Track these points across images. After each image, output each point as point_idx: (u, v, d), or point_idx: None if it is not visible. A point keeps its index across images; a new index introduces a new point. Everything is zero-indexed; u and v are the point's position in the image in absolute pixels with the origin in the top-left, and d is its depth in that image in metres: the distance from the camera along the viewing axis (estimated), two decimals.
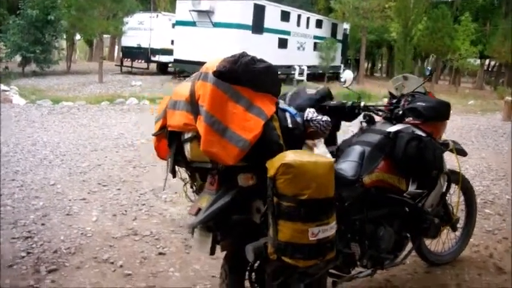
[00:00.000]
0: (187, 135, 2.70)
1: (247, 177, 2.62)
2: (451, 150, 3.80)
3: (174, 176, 2.99)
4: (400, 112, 3.49)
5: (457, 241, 4.40)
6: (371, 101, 16.28)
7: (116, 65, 25.92)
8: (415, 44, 25.96)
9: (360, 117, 3.61)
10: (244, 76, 2.52)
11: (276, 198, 2.40)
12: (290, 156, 2.44)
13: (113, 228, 4.95)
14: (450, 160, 3.89)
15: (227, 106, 2.48)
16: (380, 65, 45.16)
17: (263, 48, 19.72)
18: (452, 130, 11.70)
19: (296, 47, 23.23)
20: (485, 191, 6.74)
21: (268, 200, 2.44)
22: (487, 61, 37.77)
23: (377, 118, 3.69)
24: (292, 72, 22.54)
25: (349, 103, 3.66)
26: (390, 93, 3.88)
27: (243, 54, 2.59)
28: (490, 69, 41.28)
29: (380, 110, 3.69)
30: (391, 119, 3.54)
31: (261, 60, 2.63)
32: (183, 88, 2.76)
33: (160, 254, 4.37)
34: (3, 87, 14.82)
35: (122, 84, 19.07)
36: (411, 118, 3.46)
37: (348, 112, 3.67)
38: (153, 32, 22.66)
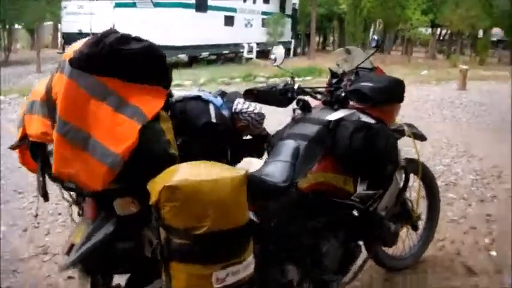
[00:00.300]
0: (50, 147, 1.99)
1: (127, 202, 1.92)
2: (409, 136, 3.13)
3: (46, 199, 2.28)
4: (343, 94, 2.78)
5: (419, 239, 3.77)
6: (322, 76, 15.60)
7: (58, 53, 24.70)
8: (365, 16, 25.60)
9: (293, 104, 2.90)
10: (110, 62, 1.82)
11: (163, 232, 1.70)
12: (179, 173, 1.75)
13: (21, 246, 4.22)
14: (405, 144, 3.23)
15: (89, 106, 1.80)
16: (332, 38, 44.74)
17: (208, 27, 18.98)
18: (406, 103, 11.14)
19: (243, 24, 22.39)
20: (446, 170, 6.19)
21: (154, 234, 1.74)
22: (438, 30, 37.81)
23: (314, 102, 2.99)
24: (241, 50, 21.71)
25: (281, 85, 2.97)
26: (330, 70, 3.17)
27: (109, 32, 1.85)
28: (441, 38, 41.33)
29: (318, 93, 3.00)
30: (332, 103, 2.84)
31: (137, 39, 1.89)
32: (42, 84, 2.05)
33: (69, 278, 3.62)
34: None
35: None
36: (356, 102, 2.76)
37: (280, 97, 2.98)
38: (94, 16, 21.56)
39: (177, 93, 3.54)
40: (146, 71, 1.87)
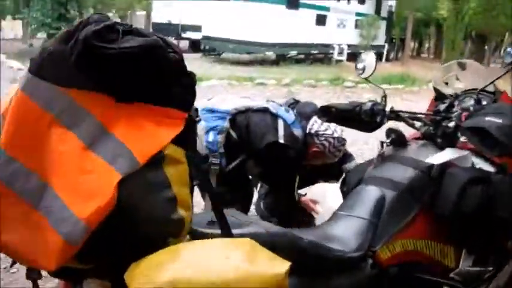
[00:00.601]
0: None
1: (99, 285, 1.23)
2: None
3: None
4: (452, 127, 1.98)
5: None
6: (415, 85, 14.44)
7: None
8: (466, 23, 24.00)
9: (380, 132, 2.15)
10: (86, 67, 1.13)
11: None
12: (170, 266, 1.09)
13: None
14: None
15: (49, 135, 1.14)
16: (427, 45, 42.74)
17: (299, 25, 18.24)
18: None
19: (336, 24, 21.24)
20: None
21: None
22: None
23: (410, 132, 2.20)
24: (331, 51, 20.66)
25: (368, 105, 2.22)
26: (436, 90, 2.36)
27: (90, 21, 1.16)
28: None
29: (417, 119, 2.20)
30: (434, 137, 2.05)
31: (135, 32, 1.18)
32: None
33: None
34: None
35: None
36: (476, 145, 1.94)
37: (366, 120, 2.24)
38: (184, 7, 21.42)
39: (240, 101, 2.87)
40: (148, 84, 1.17)
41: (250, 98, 2.96)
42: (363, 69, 2.39)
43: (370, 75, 2.37)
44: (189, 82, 1.26)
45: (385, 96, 2.28)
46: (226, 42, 17.94)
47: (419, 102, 10.98)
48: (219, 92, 10.83)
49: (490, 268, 2.00)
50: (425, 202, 1.87)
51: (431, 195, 1.86)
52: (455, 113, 1.94)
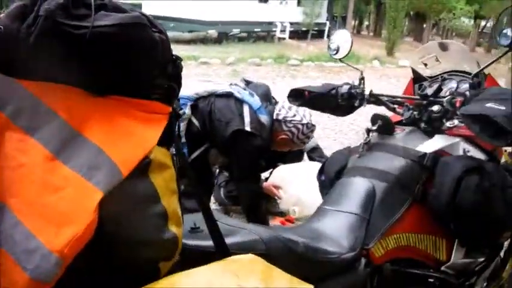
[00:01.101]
0: None
1: None
2: None
3: None
4: (439, 112, 1.85)
5: None
6: (359, 63, 14.49)
7: None
8: (407, 2, 24.28)
9: (362, 118, 1.99)
10: (46, 50, 0.91)
11: None
12: None
13: None
14: None
15: (2, 143, 0.90)
16: (367, 22, 43.14)
17: (241, 3, 17.96)
18: None
19: (278, 1, 21.21)
20: None
21: None
22: (482, 22, 36.20)
23: (389, 114, 2.08)
24: (274, 29, 20.50)
25: (344, 88, 2.08)
26: (414, 71, 2.23)
27: None
28: (481, 31, 39.61)
29: (399, 103, 2.07)
30: (421, 122, 1.91)
31: (112, 7, 0.95)
32: None
33: None
34: None
35: None
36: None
37: (342, 103, 2.11)
38: None
39: (200, 86, 2.67)
40: (129, 72, 0.95)
41: (212, 81, 2.76)
42: (337, 49, 2.23)
43: (345, 56, 2.21)
44: (175, 68, 1.06)
45: (362, 78, 2.14)
46: (167, 20, 17.47)
47: (366, 81, 11.05)
48: None
49: (482, 259, 1.90)
50: (417, 194, 1.74)
51: (423, 187, 1.73)
52: (447, 98, 1.80)
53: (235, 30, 19.21)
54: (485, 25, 38.44)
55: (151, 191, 0.98)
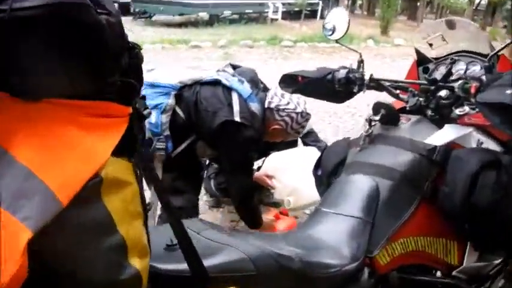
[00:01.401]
0: None
1: None
2: None
3: None
4: (449, 99, 1.64)
5: None
6: (353, 43, 14.22)
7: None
8: None
9: (358, 101, 1.81)
10: None
11: None
12: None
13: None
14: None
15: None
16: (360, 1, 42.71)
17: None
18: None
19: None
20: None
21: None
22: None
23: (392, 101, 1.88)
24: (266, 10, 20.01)
25: (342, 72, 1.87)
26: (418, 52, 2.02)
27: None
28: (476, 8, 39.26)
29: (402, 89, 1.87)
30: (428, 110, 1.71)
31: None
32: None
33: None
34: None
35: None
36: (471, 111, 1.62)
37: (339, 89, 1.91)
38: None
39: (185, 73, 2.45)
40: (65, 66, 0.73)
41: (198, 68, 2.54)
42: (333, 29, 2.02)
43: (342, 37, 2.00)
44: (132, 59, 0.84)
45: (361, 61, 1.93)
46: (157, 3, 17.15)
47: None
48: (155, 59, 10.26)
49: (497, 262, 1.71)
50: (426, 192, 1.54)
51: (433, 184, 1.53)
52: (459, 83, 1.59)
53: (227, 12, 18.83)
54: (479, 2, 38.10)
55: (105, 218, 0.77)
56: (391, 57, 11.88)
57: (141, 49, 0.85)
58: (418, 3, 29.11)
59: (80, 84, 0.75)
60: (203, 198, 3.58)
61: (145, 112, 0.93)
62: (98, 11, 0.74)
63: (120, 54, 0.80)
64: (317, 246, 1.36)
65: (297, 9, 20.26)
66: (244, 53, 11.61)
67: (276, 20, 19.70)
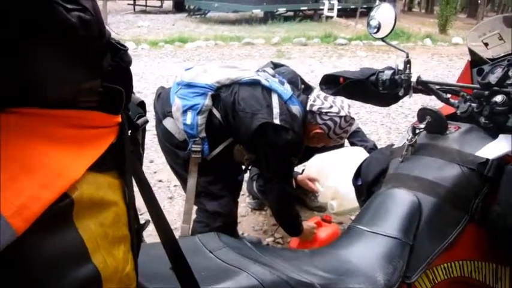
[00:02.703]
0: None
1: None
2: None
3: None
4: (506, 106, 1.46)
5: None
6: (409, 41, 13.83)
7: (128, 4, 23.94)
8: None
9: (412, 100, 1.67)
10: None
11: None
12: None
13: None
14: None
15: None
16: None
17: None
18: None
19: None
20: None
21: None
22: None
23: (441, 107, 1.71)
24: (321, 7, 19.72)
25: (387, 73, 1.72)
26: (472, 52, 1.84)
27: None
28: None
29: (453, 92, 1.70)
30: (480, 117, 1.54)
31: None
32: None
33: None
34: None
35: (128, 26, 16.62)
36: None
37: (384, 92, 1.76)
38: None
39: (223, 72, 2.34)
40: (30, 72, 0.61)
41: (237, 67, 2.42)
42: (378, 27, 1.86)
43: (388, 35, 1.84)
44: (118, 62, 0.72)
45: (408, 62, 1.76)
46: (212, 0, 17.21)
47: (417, 59, 10.51)
48: (207, 56, 10.25)
49: None
50: (475, 212, 1.37)
51: (483, 203, 1.36)
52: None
53: (281, 9, 18.73)
54: None
55: (76, 246, 0.66)
56: (448, 57, 11.45)
57: (126, 50, 0.74)
58: (479, 1, 28.18)
59: (48, 90, 0.64)
60: (245, 201, 3.48)
61: (140, 120, 0.81)
62: (69, 7, 0.63)
63: (98, 56, 0.68)
64: (346, 269, 1.22)
65: (352, 6, 19.95)
66: (298, 51, 11.46)
67: (331, 17, 19.47)
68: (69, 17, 0.62)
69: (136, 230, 0.81)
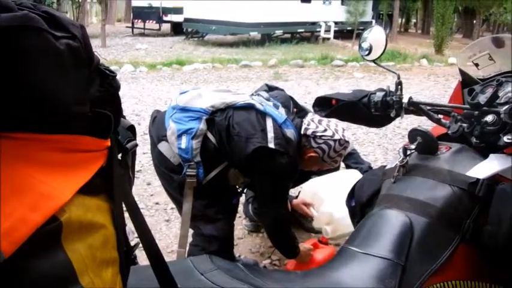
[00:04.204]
0: None
1: None
2: None
3: None
4: (496, 125, 1.48)
5: None
6: (406, 62, 13.92)
7: (126, 27, 24.12)
8: None
9: (409, 121, 1.67)
10: None
11: None
12: None
13: None
14: None
15: None
16: (414, 20, 42.09)
17: (283, 4, 17.62)
18: None
19: (321, 1, 20.60)
20: None
21: None
22: None
23: (432, 127, 1.72)
24: (318, 29, 19.91)
25: (378, 95, 1.74)
26: (463, 72, 1.86)
27: None
28: None
29: (444, 113, 1.71)
30: (471, 137, 1.55)
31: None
32: None
33: None
34: None
35: (126, 48, 16.81)
36: None
37: (376, 113, 1.77)
38: None
39: (217, 96, 2.35)
40: (18, 97, 0.63)
41: (231, 91, 2.43)
42: (369, 49, 1.88)
43: (379, 57, 1.86)
44: (106, 87, 0.74)
45: (400, 83, 1.78)
46: (209, 23, 17.37)
47: (414, 79, 10.58)
48: (204, 78, 10.30)
49: None
50: (466, 232, 1.37)
51: (475, 223, 1.37)
52: (505, 108, 1.43)
53: (278, 32, 18.88)
54: None
55: (64, 268, 0.66)
56: (444, 77, 11.52)
57: (115, 76, 0.75)
58: (474, 21, 28.45)
59: (37, 115, 0.65)
60: (242, 223, 3.48)
61: (129, 144, 0.82)
62: (58, 34, 0.65)
63: (87, 82, 0.70)
64: None
65: (349, 28, 20.09)
66: (295, 73, 11.53)
67: (328, 39, 19.62)
68: (58, 44, 0.64)
69: (125, 252, 0.82)
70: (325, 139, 2.28)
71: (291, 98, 2.68)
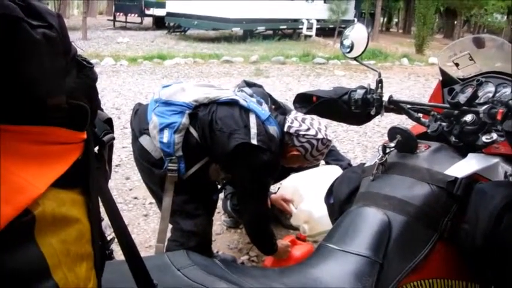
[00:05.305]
0: None
1: None
2: None
3: None
4: (474, 125, 1.49)
5: None
6: (387, 61, 14.00)
7: (107, 20, 23.89)
8: None
9: (389, 120, 1.68)
10: None
11: None
12: None
13: None
14: None
15: None
16: (396, 20, 42.36)
17: (265, 1, 17.61)
18: None
19: None
20: None
21: None
22: None
23: (412, 126, 1.73)
24: (300, 26, 19.97)
25: (359, 92, 1.74)
26: (443, 72, 1.87)
27: None
28: None
29: (424, 112, 1.72)
30: (451, 136, 1.56)
31: None
32: None
33: None
34: None
35: (107, 41, 16.58)
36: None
37: (356, 110, 1.77)
38: None
39: (200, 91, 2.33)
40: None
41: (214, 86, 2.41)
42: (351, 47, 1.88)
43: (361, 55, 1.86)
44: (82, 78, 0.72)
45: (380, 82, 1.78)
46: (191, 18, 17.28)
47: (395, 78, 10.64)
48: (185, 73, 10.25)
49: None
50: (444, 230, 1.38)
51: (453, 221, 1.37)
52: (484, 107, 1.44)
53: (261, 28, 18.85)
54: None
55: (37, 262, 0.65)
56: (424, 76, 11.61)
57: (92, 67, 0.73)
58: (455, 22, 28.74)
59: (12, 106, 0.63)
60: (221, 219, 3.47)
61: (106, 137, 0.81)
62: (34, 23, 0.63)
63: (62, 73, 0.68)
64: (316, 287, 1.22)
65: (331, 26, 20.14)
66: (276, 69, 11.52)
67: (310, 36, 19.66)
68: (34, 33, 0.62)
69: (100, 247, 0.81)
70: (308, 138, 2.28)
71: (269, 95, 2.66)
